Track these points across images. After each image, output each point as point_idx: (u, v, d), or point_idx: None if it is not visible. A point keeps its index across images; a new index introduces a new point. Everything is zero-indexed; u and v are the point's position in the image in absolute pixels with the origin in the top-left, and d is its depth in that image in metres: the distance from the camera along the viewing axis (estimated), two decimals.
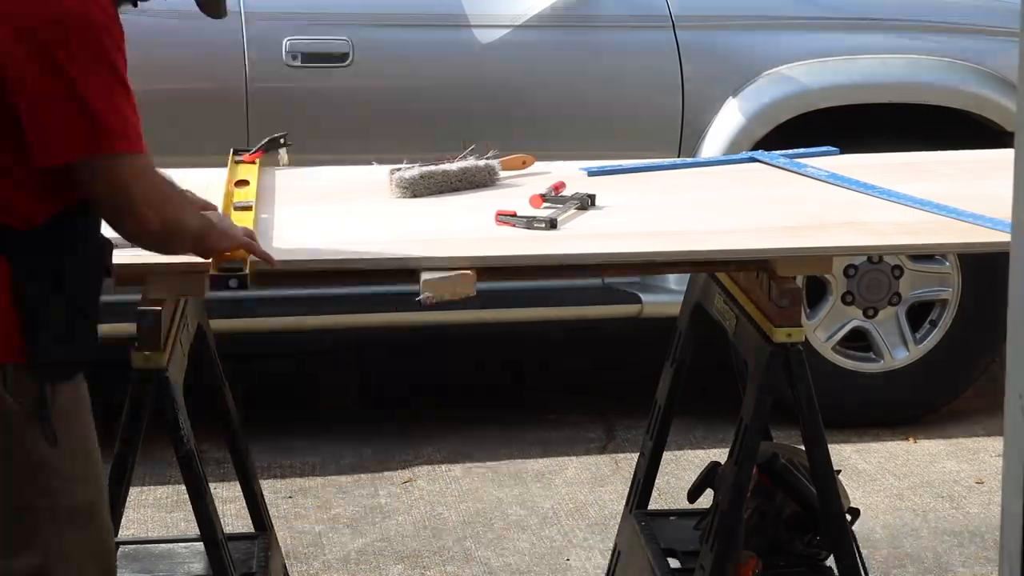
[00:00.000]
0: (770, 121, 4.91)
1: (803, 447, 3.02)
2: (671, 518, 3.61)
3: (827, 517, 3.00)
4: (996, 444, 4.96)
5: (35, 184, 2.38)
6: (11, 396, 2.38)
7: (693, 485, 3.34)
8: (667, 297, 4.85)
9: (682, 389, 3.51)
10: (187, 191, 2.84)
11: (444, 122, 4.79)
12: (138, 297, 2.76)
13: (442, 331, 5.40)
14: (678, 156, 4.81)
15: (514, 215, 3.00)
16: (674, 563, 3.35)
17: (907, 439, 5.02)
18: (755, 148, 4.50)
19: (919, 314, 5.13)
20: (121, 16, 2.42)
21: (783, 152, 3.63)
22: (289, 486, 4.68)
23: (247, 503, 3.57)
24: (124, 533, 3.59)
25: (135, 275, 2.72)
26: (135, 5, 2.57)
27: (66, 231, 2.41)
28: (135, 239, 2.48)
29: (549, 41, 4.89)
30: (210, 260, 2.69)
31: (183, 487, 2.98)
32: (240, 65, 4.68)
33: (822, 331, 5.04)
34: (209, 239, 2.60)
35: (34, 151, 2.34)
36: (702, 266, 3.13)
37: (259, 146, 3.50)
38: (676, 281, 4.82)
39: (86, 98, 2.32)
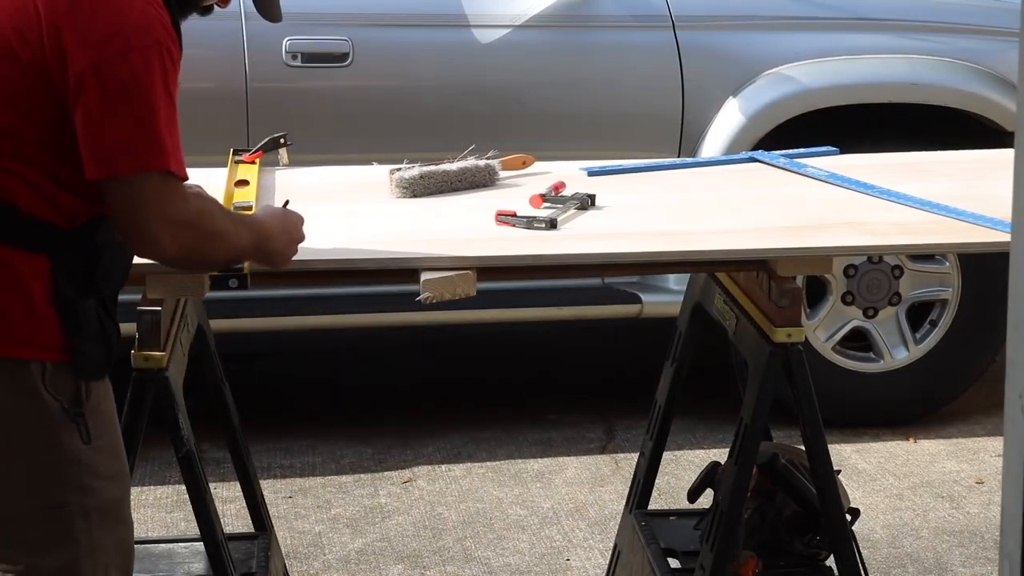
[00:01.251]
0: (770, 121, 4.91)
1: (803, 447, 3.02)
2: (671, 518, 3.61)
3: (827, 517, 3.00)
4: (996, 444, 4.96)
5: (84, 185, 2.38)
6: (49, 393, 2.40)
7: (693, 485, 3.34)
8: (667, 297, 4.85)
9: (682, 389, 3.52)
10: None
11: (444, 122, 4.79)
12: (138, 297, 2.76)
13: (442, 331, 5.40)
14: (678, 156, 4.82)
15: (514, 215, 3.00)
16: (674, 563, 3.35)
17: (907, 439, 5.02)
18: (755, 148, 4.50)
19: (919, 314, 5.13)
20: None
21: (783, 152, 3.63)
22: (289, 486, 4.68)
23: (247, 503, 3.57)
24: None
25: (135, 275, 2.71)
26: (202, 14, 2.59)
27: (102, 231, 2.43)
28: (149, 256, 2.47)
29: (549, 41, 4.89)
30: None
31: (183, 487, 2.98)
32: (240, 65, 4.68)
33: (822, 331, 5.04)
34: (266, 253, 2.60)
35: (86, 162, 2.34)
36: (702, 266, 3.13)
37: (259, 146, 3.50)
38: (676, 281, 4.82)
39: (142, 114, 2.33)
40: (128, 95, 2.32)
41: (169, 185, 2.37)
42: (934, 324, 5.11)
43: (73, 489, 2.43)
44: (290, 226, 2.66)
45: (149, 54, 2.34)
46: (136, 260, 2.57)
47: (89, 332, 2.41)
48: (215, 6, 2.61)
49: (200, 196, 2.50)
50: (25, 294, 2.37)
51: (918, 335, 5.11)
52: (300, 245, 2.69)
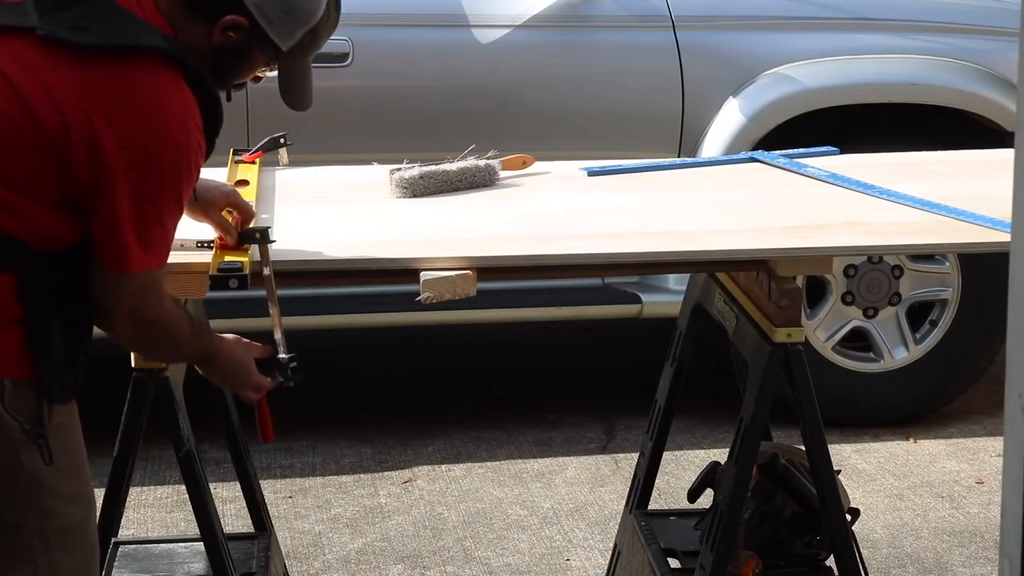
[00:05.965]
0: (770, 121, 4.91)
1: (803, 447, 3.02)
2: (671, 518, 3.60)
3: (827, 517, 3.00)
4: (996, 444, 4.96)
5: (70, 221, 2.37)
6: (8, 412, 2.35)
7: (693, 485, 3.34)
8: (667, 297, 4.85)
9: (682, 389, 3.52)
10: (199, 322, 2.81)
11: (444, 122, 4.80)
12: None
13: (442, 331, 5.40)
14: (678, 156, 4.82)
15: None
16: (674, 563, 3.35)
17: (907, 439, 5.02)
18: (755, 148, 4.50)
19: (919, 314, 5.13)
20: None
21: (783, 152, 3.63)
22: (289, 486, 4.68)
23: (247, 503, 3.57)
24: (124, 533, 3.59)
25: None
26: (228, 99, 2.64)
27: (77, 259, 2.39)
28: (106, 332, 2.49)
29: (549, 41, 4.89)
30: (209, 261, 2.70)
31: (183, 487, 2.98)
32: None
33: (822, 331, 5.04)
34: (209, 364, 2.68)
35: (95, 246, 2.37)
36: (702, 266, 3.13)
37: (259, 146, 3.49)
38: (676, 281, 4.82)
39: (150, 221, 2.36)
40: (148, 205, 2.34)
41: (152, 283, 2.41)
42: (934, 324, 5.12)
43: (32, 510, 2.37)
44: (236, 371, 2.74)
45: (179, 170, 2.37)
46: None
47: (56, 355, 2.36)
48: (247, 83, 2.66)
49: (175, 299, 2.55)
50: None
51: (918, 335, 5.11)
52: (301, 245, 2.69)
